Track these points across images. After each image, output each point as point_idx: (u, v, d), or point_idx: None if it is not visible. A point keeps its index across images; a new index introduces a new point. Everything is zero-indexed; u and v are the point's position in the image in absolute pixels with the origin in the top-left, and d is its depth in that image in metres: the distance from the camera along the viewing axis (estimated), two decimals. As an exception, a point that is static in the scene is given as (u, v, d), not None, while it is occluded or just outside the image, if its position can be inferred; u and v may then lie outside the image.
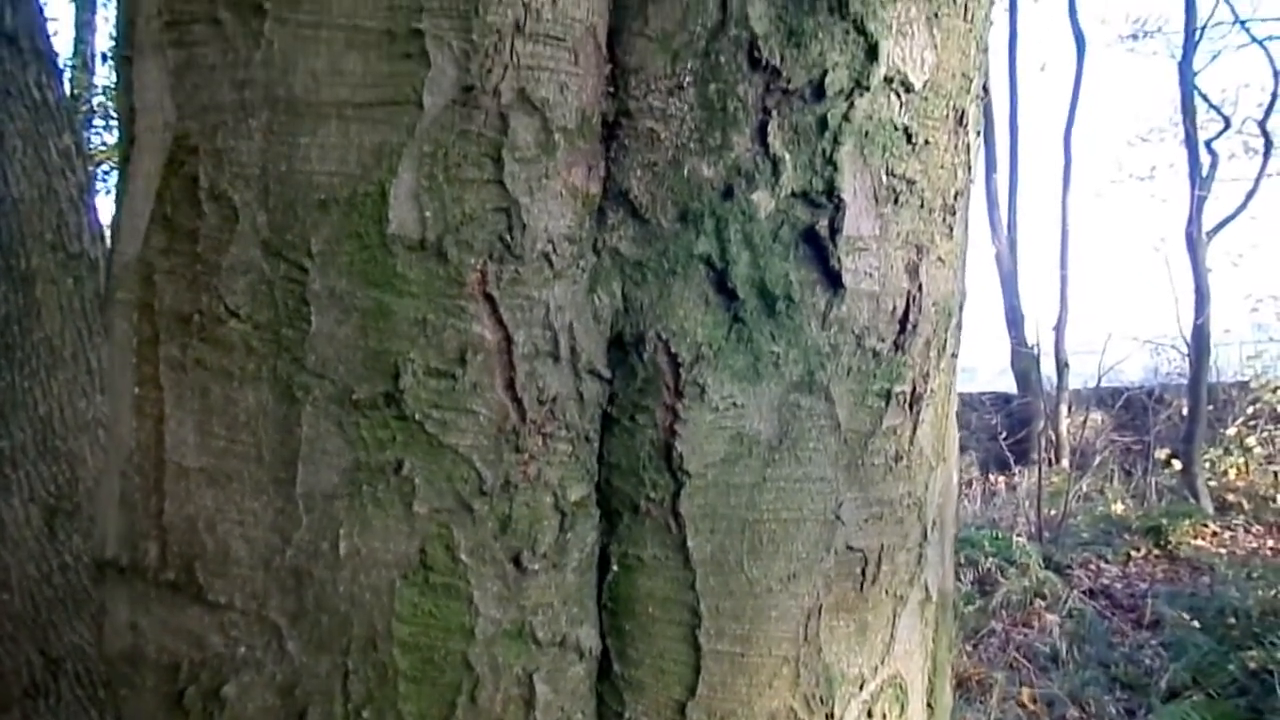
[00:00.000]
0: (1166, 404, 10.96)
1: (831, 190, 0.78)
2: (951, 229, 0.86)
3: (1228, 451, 10.23)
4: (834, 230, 0.78)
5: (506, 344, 0.74)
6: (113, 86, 9.20)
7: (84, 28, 10.15)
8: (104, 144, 9.28)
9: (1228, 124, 11.15)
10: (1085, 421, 11.55)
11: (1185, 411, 10.14)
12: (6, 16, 2.61)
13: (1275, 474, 9.86)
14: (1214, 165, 10.70)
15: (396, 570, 0.76)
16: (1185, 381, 10.56)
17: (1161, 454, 10.08)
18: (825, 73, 0.77)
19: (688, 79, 0.75)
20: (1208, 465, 9.89)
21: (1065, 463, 11.04)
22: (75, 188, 2.78)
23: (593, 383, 0.78)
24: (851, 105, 0.78)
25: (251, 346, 0.77)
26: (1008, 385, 12.86)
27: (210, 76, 0.77)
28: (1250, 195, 10.78)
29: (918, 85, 0.81)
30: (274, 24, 0.74)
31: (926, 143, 0.82)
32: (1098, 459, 10.03)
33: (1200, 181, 10.13)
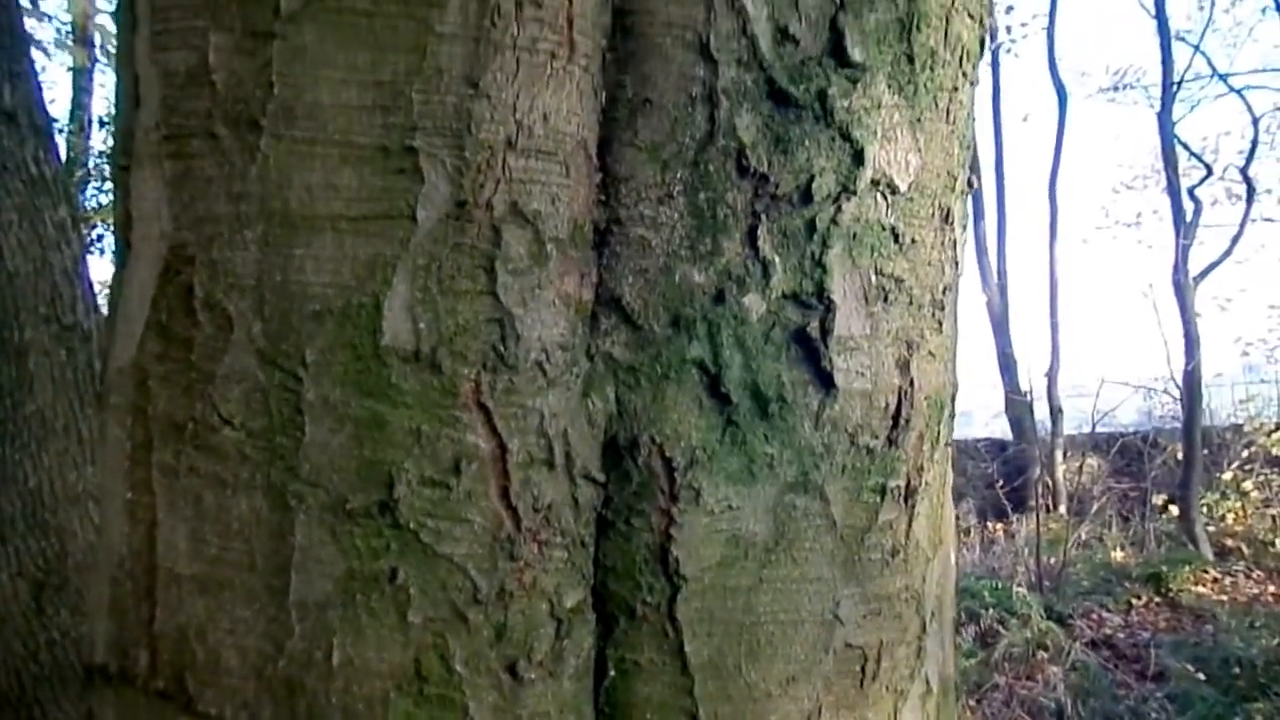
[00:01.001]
0: (1161, 448, 10.97)
1: (822, 292, 0.79)
2: (941, 323, 0.87)
3: (1224, 496, 10.21)
4: (825, 331, 0.79)
5: (501, 453, 0.74)
6: (107, 151, 9.32)
7: (82, 92, 10.29)
8: (98, 205, 9.35)
9: (1209, 171, 11.34)
10: (1081, 467, 11.53)
11: (1180, 456, 10.14)
12: (6, 94, 2.65)
13: (1273, 518, 9.84)
14: (1197, 212, 10.86)
15: (391, 681, 0.75)
16: (1179, 425, 10.57)
17: (1159, 499, 10.06)
18: (812, 178, 0.78)
19: (677, 188, 0.77)
20: (1205, 510, 9.86)
21: (1063, 509, 11.01)
22: (70, 260, 2.80)
23: (587, 488, 0.78)
24: (839, 209, 0.79)
25: (245, 454, 0.77)
26: (1002, 430, 12.87)
27: (207, 189, 0.78)
28: (1235, 240, 10.92)
29: (903, 187, 0.82)
30: (270, 139, 0.76)
31: (913, 241, 0.84)
32: (1095, 505, 9.99)
33: (1185, 229, 10.27)
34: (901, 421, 0.84)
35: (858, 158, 0.79)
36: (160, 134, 0.81)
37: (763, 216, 0.78)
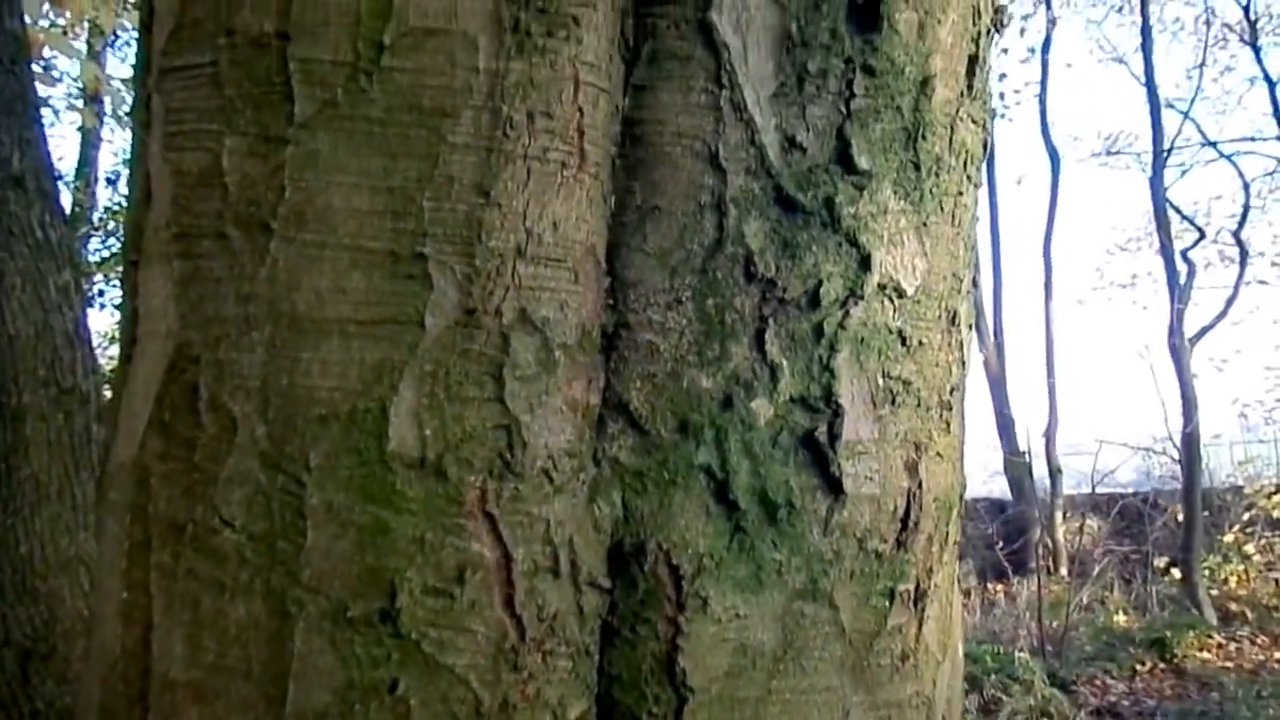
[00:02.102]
0: (1162, 509, 10.91)
1: (829, 396, 0.79)
2: (949, 424, 0.87)
3: (1226, 559, 10.13)
4: (833, 436, 0.79)
5: (506, 562, 0.73)
6: (112, 207, 9.42)
7: (89, 147, 10.42)
8: (101, 258, 9.41)
9: (1202, 235, 11.48)
10: (1081, 528, 11.45)
11: (1181, 518, 10.08)
12: (15, 160, 2.68)
13: (1277, 582, 9.74)
14: (1191, 275, 10.96)
15: (389, 796, 0.73)
16: (1178, 484, 10.53)
17: (1160, 562, 9.97)
18: (820, 283, 0.79)
19: (686, 294, 0.77)
20: (1207, 573, 9.77)
21: (1064, 571, 10.91)
22: (71, 322, 2.80)
23: (593, 595, 0.76)
24: (847, 313, 0.79)
25: (245, 558, 0.76)
26: (1001, 489, 12.80)
27: (215, 289, 0.78)
28: (1230, 303, 11.01)
29: (910, 291, 0.82)
30: (280, 242, 0.76)
31: (920, 344, 0.84)
32: (1096, 568, 9.89)
33: (1179, 292, 10.35)
34: (910, 524, 0.83)
35: (865, 263, 0.80)
36: (170, 232, 0.81)
37: (770, 321, 0.78)
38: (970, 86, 0.85)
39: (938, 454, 0.86)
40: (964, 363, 0.89)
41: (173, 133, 0.82)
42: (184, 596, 0.78)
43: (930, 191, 0.83)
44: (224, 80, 0.79)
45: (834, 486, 0.79)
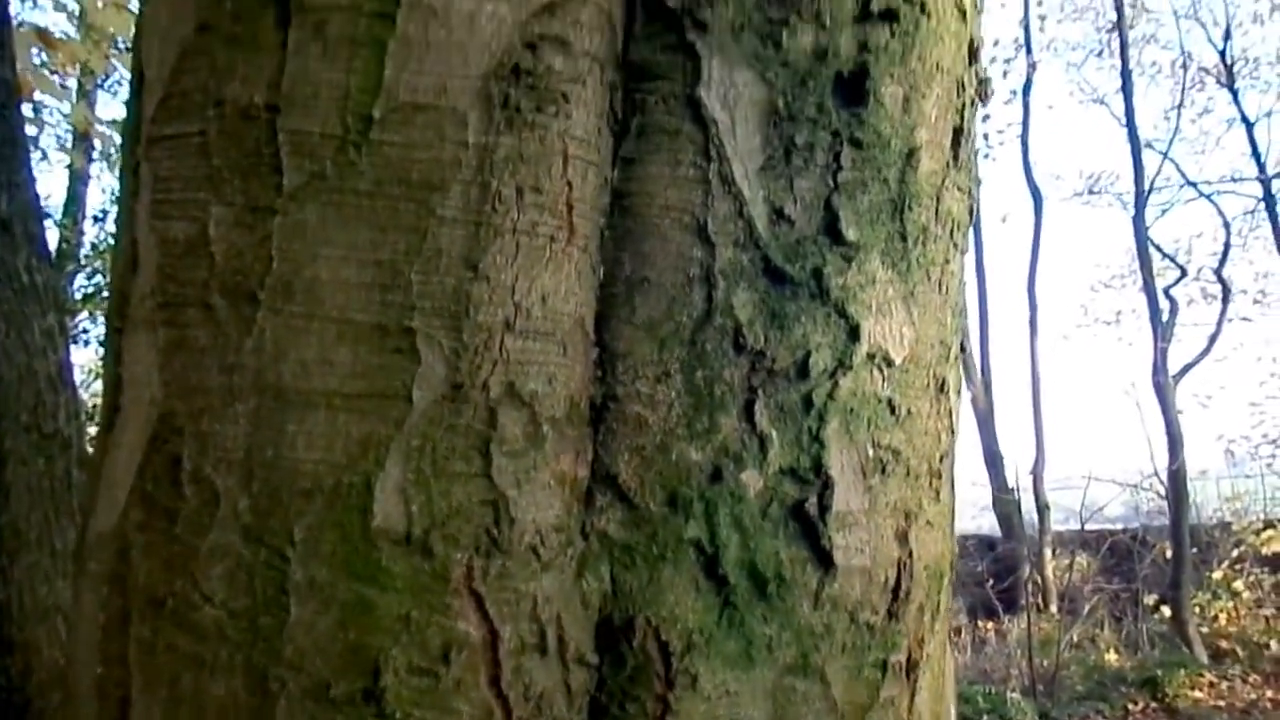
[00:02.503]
0: (1150, 546, 10.90)
1: (819, 467, 0.79)
2: (939, 492, 0.87)
3: (1216, 596, 10.12)
4: (823, 508, 0.78)
5: (492, 640, 0.72)
6: (99, 244, 9.42)
7: (78, 183, 10.42)
8: (86, 294, 9.37)
9: (1184, 273, 11.61)
10: (1071, 565, 11.43)
11: (1169, 555, 10.07)
12: (3, 204, 2.67)
13: (1266, 619, 9.73)
14: (1173, 312, 11.07)
15: None
16: (1166, 520, 10.54)
17: (1150, 599, 9.95)
18: (809, 354, 0.79)
19: (674, 366, 0.77)
20: (1197, 610, 9.75)
21: (1054, 608, 10.87)
22: (54, 366, 2.78)
23: (581, 672, 0.75)
24: (836, 384, 0.79)
25: (226, 634, 0.74)
26: (989, 525, 12.77)
27: (200, 359, 0.77)
28: (1213, 340, 11.10)
29: (898, 360, 0.82)
30: (267, 313, 0.75)
31: (910, 413, 0.83)
32: (1086, 606, 9.86)
33: (1162, 330, 10.44)
34: (901, 595, 0.82)
35: (853, 333, 0.80)
36: (156, 300, 0.81)
37: (760, 391, 0.78)
38: (955, 157, 0.86)
39: (928, 522, 0.85)
40: (953, 430, 0.89)
41: (160, 201, 0.82)
42: (163, 672, 0.76)
43: (917, 261, 0.83)
44: (212, 150, 0.79)
45: (824, 559, 0.78)
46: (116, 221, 0.90)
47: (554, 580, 0.74)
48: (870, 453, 0.81)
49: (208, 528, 0.75)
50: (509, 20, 0.75)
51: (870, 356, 0.81)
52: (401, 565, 0.71)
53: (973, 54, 0.88)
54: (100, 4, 3.59)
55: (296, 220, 0.76)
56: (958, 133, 0.86)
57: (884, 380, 0.82)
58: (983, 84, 0.91)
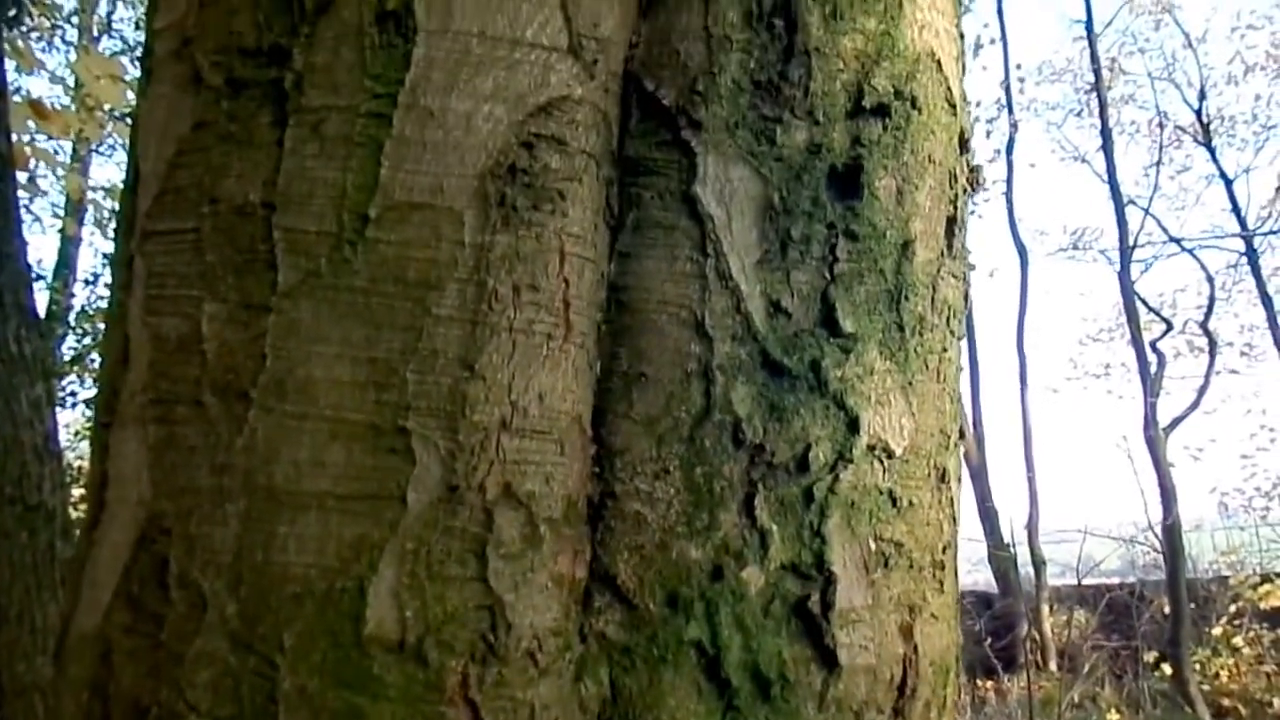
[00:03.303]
0: (1148, 602, 10.80)
1: (821, 563, 0.77)
2: (943, 584, 0.85)
3: (1216, 652, 10.00)
4: (826, 605, 0.77)
5: (488, 751, 0.69)
6: (88, 307, 9.43)
7: (69, 246, 10.45)
8: (74, 356, 9.34)
9: (1170, 326, 11.71)
10: (1069, 621, 11.30)
11: (1168, 610, 9.98)
12: (-8, 275, 2.67)
13: (1268, 676, 9.60)
14: (1161, 365, 11.14)
15: None
16: (1162, 573, 10.46)
17: (1150, 657, 9.82)
18: (809, 447, 0.78)
19: (673, 463, 0.76)
20: (1198, 668, 9.63)
21: (1053, 666, 10.72)
22: (40, 437, 2.75)
23: (579, 782, 0.73)
24: (836, 477, 0.78)
25: (211, 746, 0.72)
26: (985, 580, 12.65)
27: (190, 458, 0.76)
28: (1201, 392, 11.16)
29: (899, 451, 0.82)
30: (259, 411, 0.74)
31: (911, 504, 0.82)
32: (1086, 664, 9.72)
33: (1150, 383, 10.49)
34: (908, 692, 0.80)
35: (853, 425, 0.79)
36: (147, 397, 0.80)
37: (760, 486, 0.77)
38: (950, 246, 0.86)
39: (933, 615, 0.84)
40: (955, 519, 0.88)
41: (153, 296, 0.81)
42: (145, 786, 0.73)
43: (915, 350, 0.83)
44: (207, 246, 0.78)
45: (828, 658, 0.76)
46: (110, 315, 0.89)
47: (552, 686, 0.72)
48: (873, 546, 0.80)
49: (194, 633, 0.73)
50: (505, 120, 0.75)
51: (870, 448, 0.80)
52: (395, 674, 0.69)
53: (963, 144, 0.89)
54: (97, 77, 3.64)
55: (291, 318, 0.75)
56: (951, 222, 0.87)
57: (885, 472, 0.81)
58: (974, 172, 0.92)
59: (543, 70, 0.77)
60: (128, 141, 0.92)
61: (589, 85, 0.78)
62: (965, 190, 0.89)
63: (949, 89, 0.86)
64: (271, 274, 0.76)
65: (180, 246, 0.80)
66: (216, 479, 0.75)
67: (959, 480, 0.90)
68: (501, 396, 0.72)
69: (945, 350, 0.86)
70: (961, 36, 0.91)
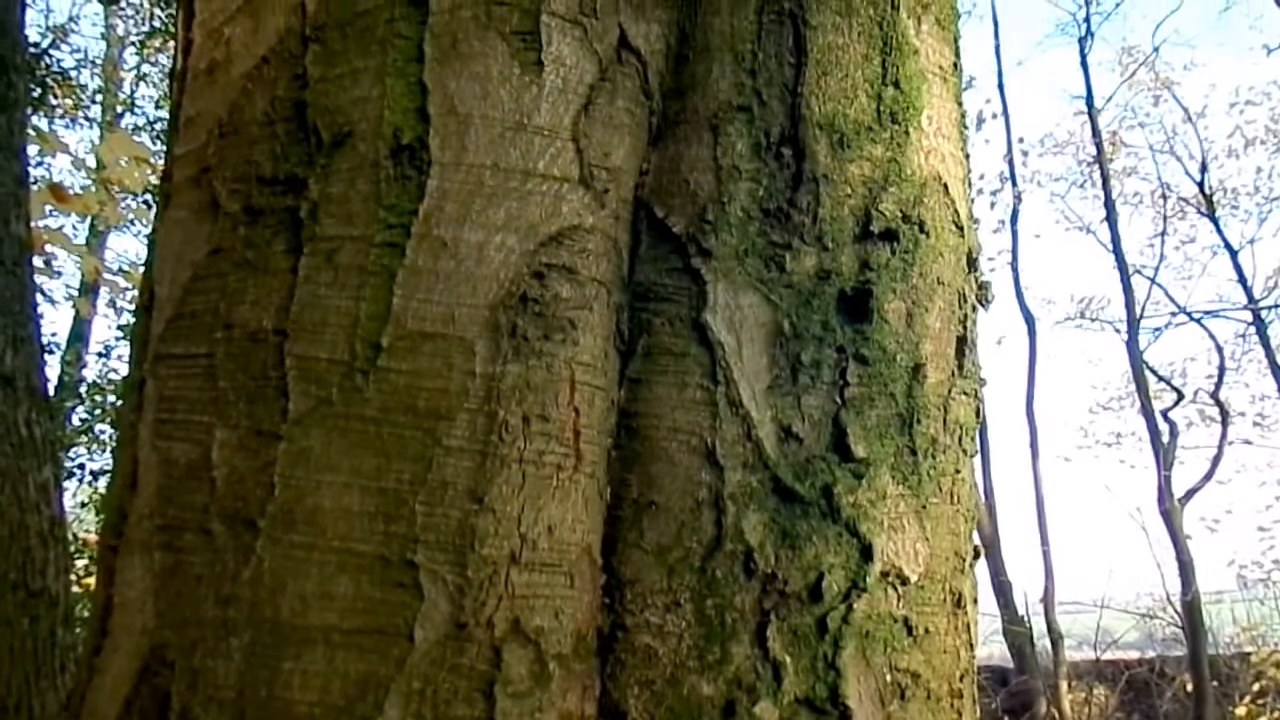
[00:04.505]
0: (1169, 679, 10.51)
1: (836, 696, 0.75)
2: (960, 714, 0.83)
3: (1241, 733, 9.69)
4: (842, 742, 0.75)
5: None
6: (100, 380, 9.49)
7: (83, 323, 10.55)
8: (84, 426, 9.36)
9: (1181, 396, 11.63)
10: (1088, 699, 11.00)
11: (1189, 688, 9.70)
12: (7, 359, 2.69)
13: (1296, 759, 9.29)
14: (1174, 435, 11.02)
15: None
16: (1182, 648, 10.20)
17: (1173, 738, 9.52)
18: (822, 575, 0.77)
19: (685, 594, 0.75)
20: (1223, 749, 9.32)
21: (1074, 747, 10.40)
22: (47, 521, 2.74)
23: None
24: (850, 607, 0.77)
25: None
26: (999, 653, 12.34)
27: (195, 588, 0.75)
28: (1215, 463, 11.02)
29: (913, 577, 0.80)
30: (266, 541, 0.74)
31: (927, 631, 0.81)
32: (1108, 746, 9.42)
33: (1163, 454, 10.38)
34: (928, 832, 0.78)
35: (866, 552, 0.78)
36: (154, 523, 0.79)
37: (772, 616, 0.76)
38: (961, 366, 0.86)
39: (951, 747, 0.81)
40: (972, 645, 0.86)
41: (164, 420, 0.81)
42: None
43: (928, 473, 0.82)
44: (219, 372, 0.79)
45: (845, 798, 0.74)
46: (119, 438, 0.89)
47: (560, 833, 0.70)
48: (888, 677, 0.78)
49: (195, 772, 0.71)
50: (517, 250, 0.76)
51: (884, 575, 0.79)
52: (399, 821, 0.67)
53: (971, 263, 0.89)
54: (119, 161, 3.72)
55: (301, 446, 0.75)
56: (961, 341, 0.87)
57: (899, 599, 0.79)
58: (983, 289, 0.92)
59: (554, 200, 0.78)
60: (146, 219, 0.94)
61: (600, 214, 0.80)
62: (974, 309, 0.90)
63: (956, 211, 0.87)
64: (283, 401, 0.76)
65: (193, 371, 0.81)
66: (221, 610, 0.74)
67: (975, 602, 0.88)
68: (511, 529, 0.72)
69: (958, 471, 0.86)
70: (968, 157, 0.92)
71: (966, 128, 0.92)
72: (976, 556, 0.90)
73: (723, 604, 0.75)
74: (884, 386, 0.81)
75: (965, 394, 0.88)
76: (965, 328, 0.87)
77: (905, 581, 0.80)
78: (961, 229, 0.87)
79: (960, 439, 0.86)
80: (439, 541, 0.71)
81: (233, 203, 0.82)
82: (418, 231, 0.76)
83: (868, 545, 0.78)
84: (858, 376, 0.80)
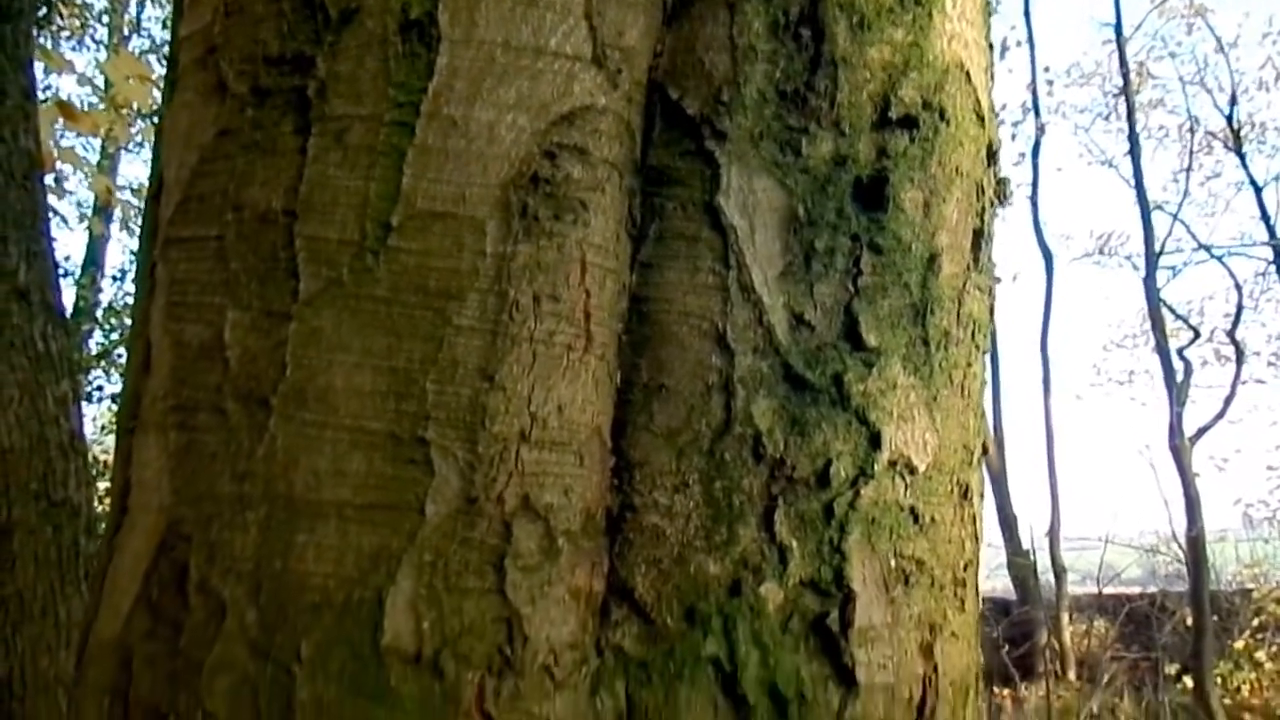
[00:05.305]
0: (1170, 613, 10.67)
1: (841, 579, 0.77)
2: (964, 602, 0.84)
3: (1238, 666, 9.86)
4: (845, 623, 0.76)
5: (503, 764, 0.69)
6: (115, 303, 9.55)
7: (97, 245, 10.57)
8: (101, 351, 9.45)
9: (1197, 334, 11.55)
10: (1089, 631, 11.19)
11: (1190, 622, 9.85)
12: (21, 273, 2.70)
13: (1291, 690, 9.46)
14: (1188, 374, 10.99)
15: None
16: (1184, 584, 10.33)
17: (1171, 669, 9.70)
18: (830, 462, 0.77)
19: (693, 476, 0.75)
20: (1219, 681, 9.49)
21: (1072, 676, 10.61)
22: (66, 434, 2.78)
23: (594, 796, 0.72)
24: (857, 493, 0.78)
25: (228, 753, 0.72)
26: (1003, 586, 12.54)
27: (210, 465, 0.76)
28: (1228, 402, 11.00)
29: (921, 467, 0.81)
30: (279, 419, 0.74)
31: (933, 521, 0.81)
32: (1105, 675, 9.61)
33: (1176, 392, 10.36)
34: (926, 712, 0.79)
35: (875, 440, 0.78)
36: (168, 404, 0.80)
37: (779, 500, 0.76)
38: (976, 259, 0.85)
39: (953, 634, 0.83)
40: (977, 537, 0.87)
41: (175, 303, 0.81)
42: (162, 791, 0.74)
43: (940, 365, 0.82)
44: (229, 254, 0.79)
45: (846, 676, 0.75)
46: (133, 321, 0.89)
47: (568, 700, 0.72)
48: (893, 563, 0.79)
49: (213, 640, 0.73)
50: (528, 129, 0.75)
51: (892, 464, 0.79)
52: (411, 685, 0.69)
53: (991, 156, 0.88)
54: (126, 78, 3.67)
55: (312, 326, 0.75)
56: (978, 235, 0.86)
57: (906, 488, 0.80)
58: (1001, 184, 0.90)
59: (566, 80, 0.77)
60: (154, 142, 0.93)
61: (612, 95, 0.78)
62: (992, 203, 0.88)
63: (977, 100, 0.85)
64: (293, 282, 0.76)
65: (203, 254, 0.80)
66: (237, 486, 0.75)
67: (982, 496, 0.88)
68: (521, 408, 0.72)
69: (970, 365, 0.85)
70: (991, 47, 0.89)
71: (991, 13, 0.89)
72: (985, 453, 0.90)
73: (730, 486, 0.75)
74: (898, 276, 0.80)
75: (980, 289, 0.87)
76: (982, 220, 0.86)
77: (913, 471, 0.80)
78: (982, 119, 0.86)
79: (973, 333, 0.86)
80: (450, 419, 0.71)
81: (240, 84, 0.81)
82: (427, 110, 0.75)
83: (876, 434, 0.78)
84: (871, 265, 0.79)
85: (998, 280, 0.91)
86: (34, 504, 2.64)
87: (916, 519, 0.80)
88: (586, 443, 0.74)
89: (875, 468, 0.78)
